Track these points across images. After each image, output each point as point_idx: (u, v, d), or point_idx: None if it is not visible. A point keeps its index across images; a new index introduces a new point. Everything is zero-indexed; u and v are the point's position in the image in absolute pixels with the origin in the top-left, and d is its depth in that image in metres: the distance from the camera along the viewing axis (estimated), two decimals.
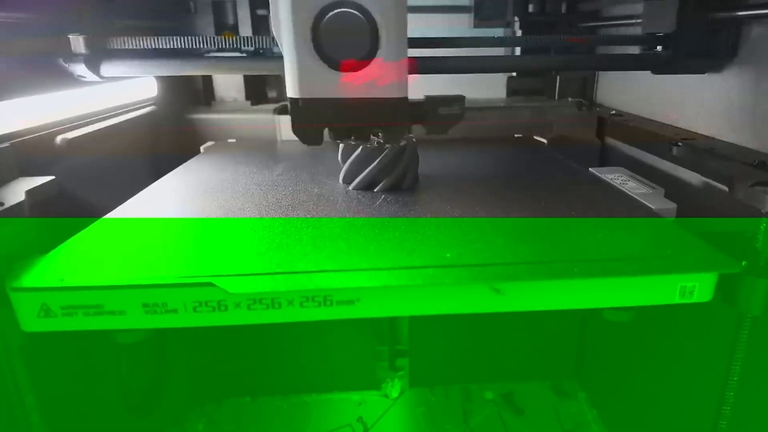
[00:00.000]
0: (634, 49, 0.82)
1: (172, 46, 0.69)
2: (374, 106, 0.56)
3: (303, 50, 0.53)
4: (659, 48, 0.73)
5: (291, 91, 0.56)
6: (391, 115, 0.57)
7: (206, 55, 0.93)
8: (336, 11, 0.52)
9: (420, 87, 0.62)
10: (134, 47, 0.69)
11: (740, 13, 0.64)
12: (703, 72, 0.73)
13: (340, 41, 0.53)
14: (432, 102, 0.63)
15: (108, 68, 0.70)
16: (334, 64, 0.54)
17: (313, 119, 0.57)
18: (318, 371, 1.05)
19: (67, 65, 0.69)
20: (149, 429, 0.85)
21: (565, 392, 1.05)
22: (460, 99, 0.63)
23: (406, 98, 0.57)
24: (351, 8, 0.52)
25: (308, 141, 0.60)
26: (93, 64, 0.69)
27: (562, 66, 0.93)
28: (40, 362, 0.51)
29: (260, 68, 0.83)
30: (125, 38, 0.69)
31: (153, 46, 0.69)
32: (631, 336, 0.84)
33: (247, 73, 1.02)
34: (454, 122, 0.64)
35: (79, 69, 0.69)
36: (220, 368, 1.03)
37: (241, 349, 1.00)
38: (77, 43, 0.68)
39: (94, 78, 0.70)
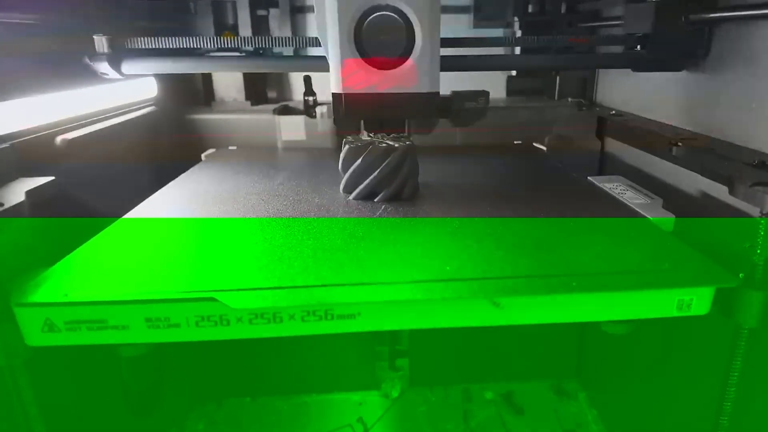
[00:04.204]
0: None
1: (192, 46, 0.72)
2: (409, 100, 0.61)
3: (346, 49, 0.59)
4: (639, 47, 0.76)
5: (334, 86, 0.61)
6: (423, 108, 0.62)
7: (206, 55, 0.94)
8: (376, 14, 0.58)
9: None
10: (155, 47, 0.72)
11: (712, 15, 0.68)
12: (678, 70, 0.76)
13: (380, 41, 0.59)
14: (459, 97, 0.66)
15: (128, 66, 0.74)
16: (374, 61, 0.60)
17: (353, 112, 0.62)
18: (318, 371, 1.05)
19: (92, 63, 0.72)
20: (150, 429, 0.86)
21: (565, 392, 1.05)
22: (484, 94, 0.66)
23: (438, 93, 0.62)
24: (390, 11, 0.58)
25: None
26: (115, 63, 0.73)
27: (549, 66, 0.94)
28: (43, 372, 0.52)
29: (277, 67, 0.85)
30: (146, 38, 0.71)
31: (173, 46, 0.71)
32: (630, 341, 0.84)
33: (263, 71, 1.05)
34: (478, 117, 0.67)
35: (103, 67, 0.73)
36: (220, 368, 1.03)
37: (241, 349, 1.01)
38: (101, 43, 0.71)
39: (116, 75, 0.74)
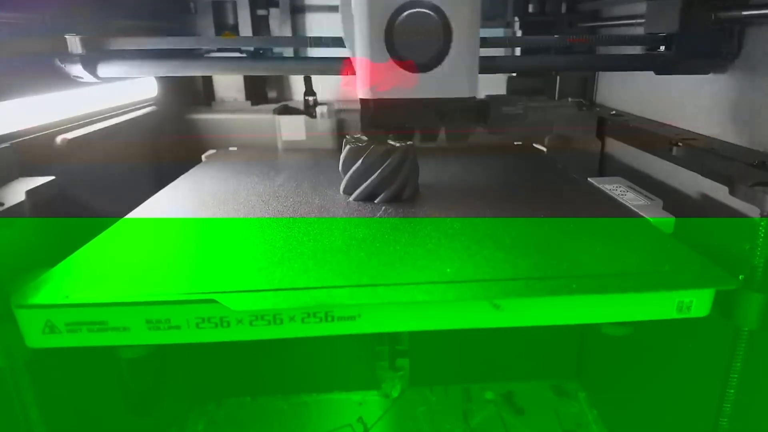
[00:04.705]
0: (633, 50, 0.82)
1: (170, 47, 0.69)
2: (444, 106, 0.57)
3: (376, 51, 0.54)
4: (662, 48, 0.72)
5: (362, 92, 0.56)
6: (460, 114, 0.58)
7: (206, 55, 0.94)
8: (410, 11, 0.53)
9: None
10: (131, 48, 0.69)
11: (745, 13, 0.64)
12: (706, 72, 0.72)
13: (414, 41, 0.54)
14: (496, 102, 0.63)
15: (105, 69, 0.69)
16: (407, 64, 0.55)
17: (384, 119, 0.58)
18: (318, 371, 1.05)
19: (63, 66, 0.67)
20: (150, 429, 0.86)
21: (565, 392, 1.05)
22: (520, 99, 0.63)
23: (475, 98, 0.58)
24: (424, 8, 0.53)
25: (378, 138, 0.64)
26: (90, 65, 0.68)
27: (564, 66, 0.93)
28: (43, 373, 0.52)
29: (260, 68, 0.83)
30: (122, 39, 0.68)
31: (151, 47, 0.68)
32: (631, 342, 0.84)
33: (247, 73, 1.02)
34: (518, 123, 0.64)
35: (76, 70, 0.67)
36: (220, 368, 1.03)
37: (241, 349, 1.00)
38: (74, 43, 0.66)
39: (91, 79, 0.69)
